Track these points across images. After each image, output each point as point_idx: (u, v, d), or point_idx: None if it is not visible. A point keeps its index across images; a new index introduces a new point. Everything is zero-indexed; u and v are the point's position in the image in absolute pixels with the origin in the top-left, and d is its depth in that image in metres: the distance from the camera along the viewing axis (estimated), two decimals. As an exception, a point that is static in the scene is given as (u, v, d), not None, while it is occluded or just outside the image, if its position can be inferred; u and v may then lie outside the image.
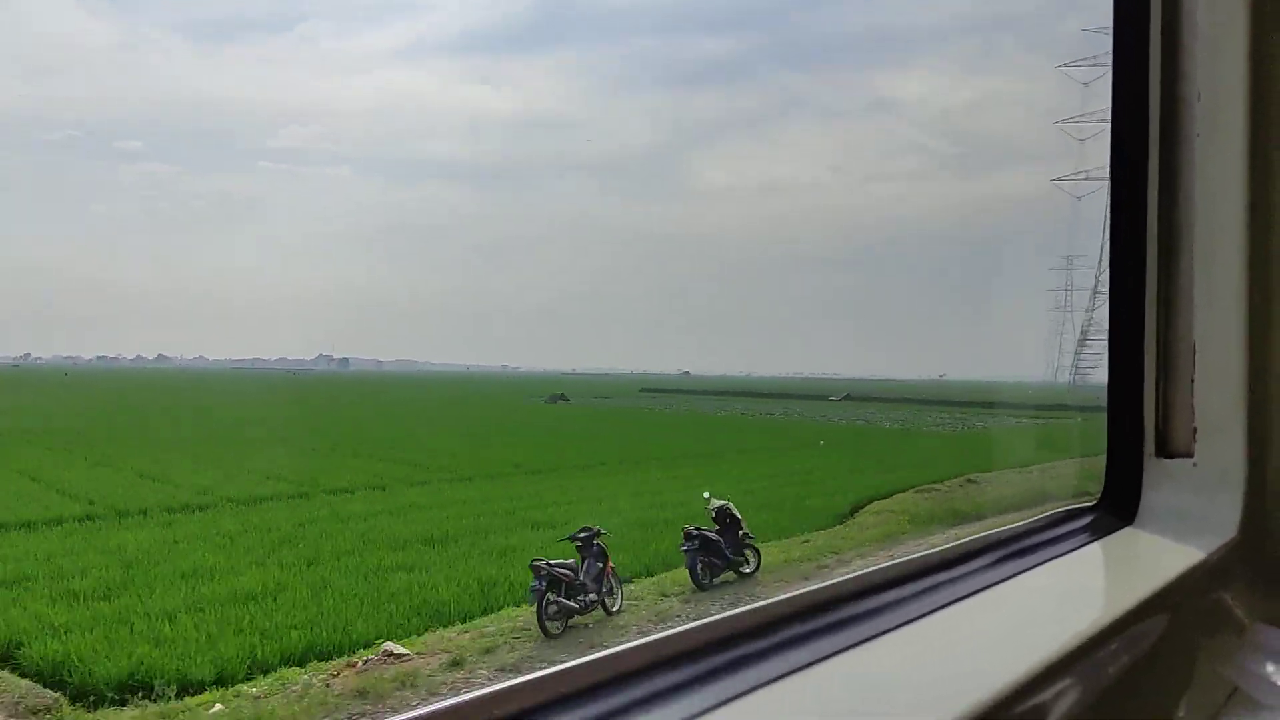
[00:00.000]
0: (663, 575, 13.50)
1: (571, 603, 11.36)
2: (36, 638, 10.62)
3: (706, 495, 14.90)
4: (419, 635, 11.11)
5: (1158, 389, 2.09)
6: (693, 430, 46.23)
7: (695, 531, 13.38)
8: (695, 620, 1.23)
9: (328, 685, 9.56)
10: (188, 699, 9.42)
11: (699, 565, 13.06)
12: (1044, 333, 76.94)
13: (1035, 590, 1.71)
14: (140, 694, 9.53)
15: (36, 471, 23.69)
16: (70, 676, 9.77)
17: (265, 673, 10.01)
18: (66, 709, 9.22)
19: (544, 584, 11.11)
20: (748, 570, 13.84)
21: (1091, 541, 2.03)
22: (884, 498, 23.82)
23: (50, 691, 9.62)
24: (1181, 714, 1.71)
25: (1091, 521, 2.15)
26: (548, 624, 11.13)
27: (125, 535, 16.19)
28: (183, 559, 14.48)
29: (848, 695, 1.16)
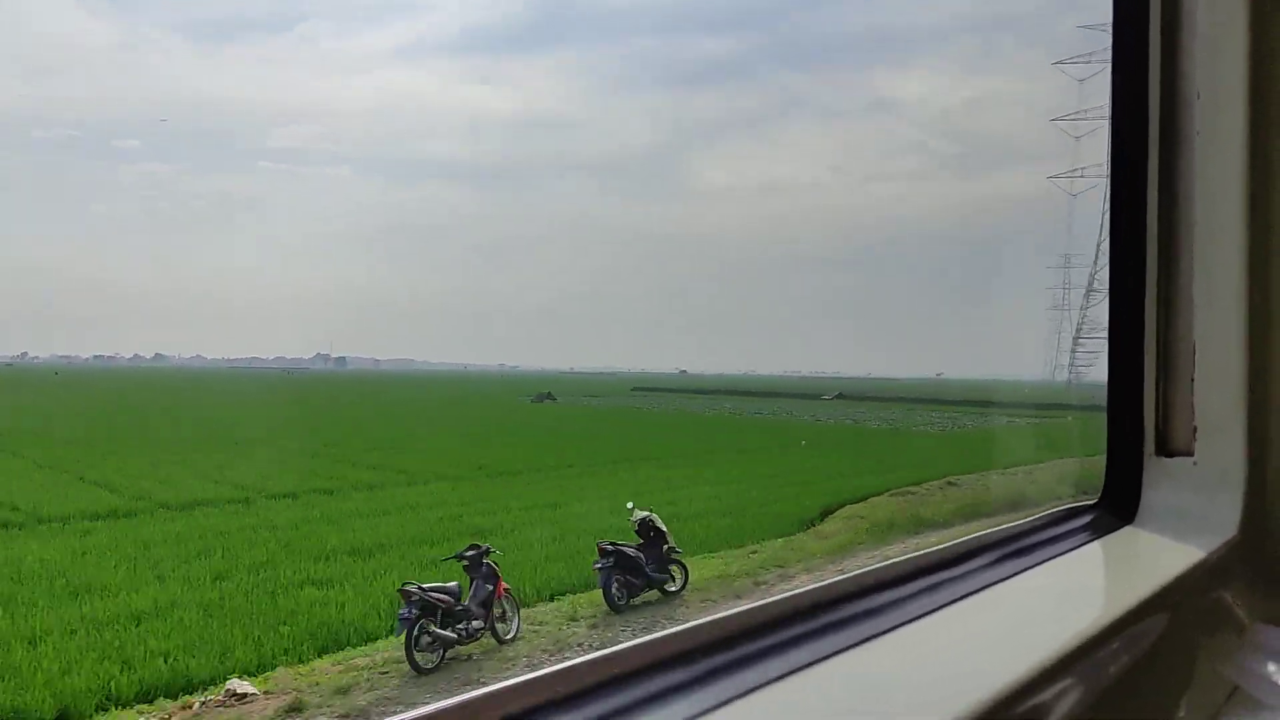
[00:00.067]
0: (590, 594, 12.38)
1: (448, 632, 10.11)
2: None
3: (630, 505, 13.81)
4: (303, 663, 10.07)
5: (1158, 388, 2.09)
6: (674, 430, 45.18)
7: (610, 547, 12.23)
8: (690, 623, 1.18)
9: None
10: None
11: (614, 585, 11.91)
12: (1042, 331, 75.94)
13: (1035, 590, 1.72)
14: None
15: (-30, 475, 22.68)
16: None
17: (104, 710, 8.97)
18: None
19: (415, 611, 9.87)
20: (673, 588, 12.69)
21: (1091, 541, 2.03)
22: (858, 501, 22.82)
23: None
24: (1182, 714, 1.71)
25: (1091, 521, 2.13)
26: (419, 657, 9.88)
27: (32, 545, 15.17)
28: (82, 573, 13.46)
29: (848, 695, 1.16)
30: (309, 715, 8.51)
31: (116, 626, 10.92)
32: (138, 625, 11.01)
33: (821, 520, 20.21)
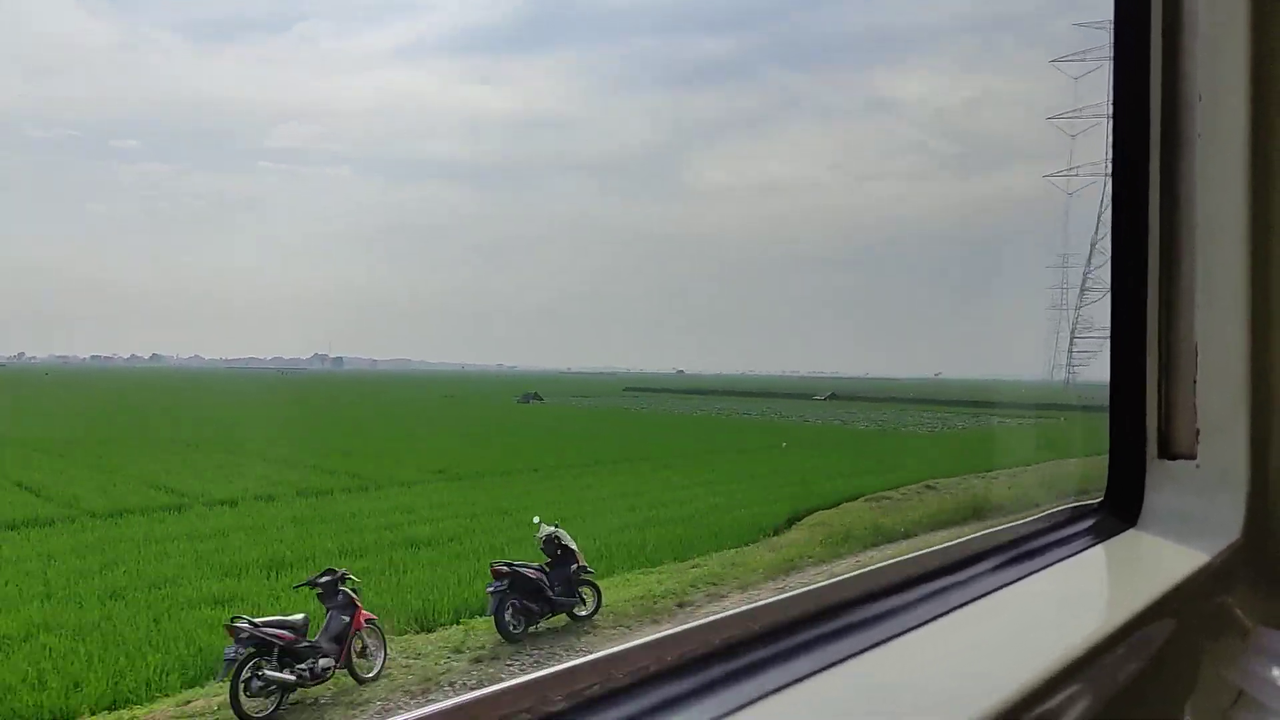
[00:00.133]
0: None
1: (286, 674, 8.83)
2: None
3: (536, 520, 12.66)
4: (152, 700, 8.99)
5: (1160, 390, 2.10)
6: (656, 431, 44.10)
7: (506, 568, 11.02)
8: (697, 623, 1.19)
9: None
10: None
11: (508, 611, 10.65)
12: (1041, 331, 74.92)
13: (1041, 594, 1.71)
14: None
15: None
16: None
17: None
18: None
19: (244, 650, 8.63)
20: (583, 612, 11.51)
21: (1095, 544, 2.02)
22: (829, 507, 21.75)
23: None
24: (1187, 719, 1.69)
25: (1095, 524, 2.13)
26: (247, 704, 8.66)
27: (-76, 559, 14.11)
28: (-35, 589, 12.41)
29: (856, 702, 1.15)
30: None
31: (-31, 654, 9.87)
32: (-4, 652, 9.97)
33: (788, 528, 19.12)
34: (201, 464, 26.67)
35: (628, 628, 10.67)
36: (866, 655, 1.22)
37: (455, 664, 9.54)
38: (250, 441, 33.56)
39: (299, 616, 9.24)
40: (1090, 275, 71.10)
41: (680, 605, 11.38)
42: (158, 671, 9.53)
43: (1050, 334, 73.26)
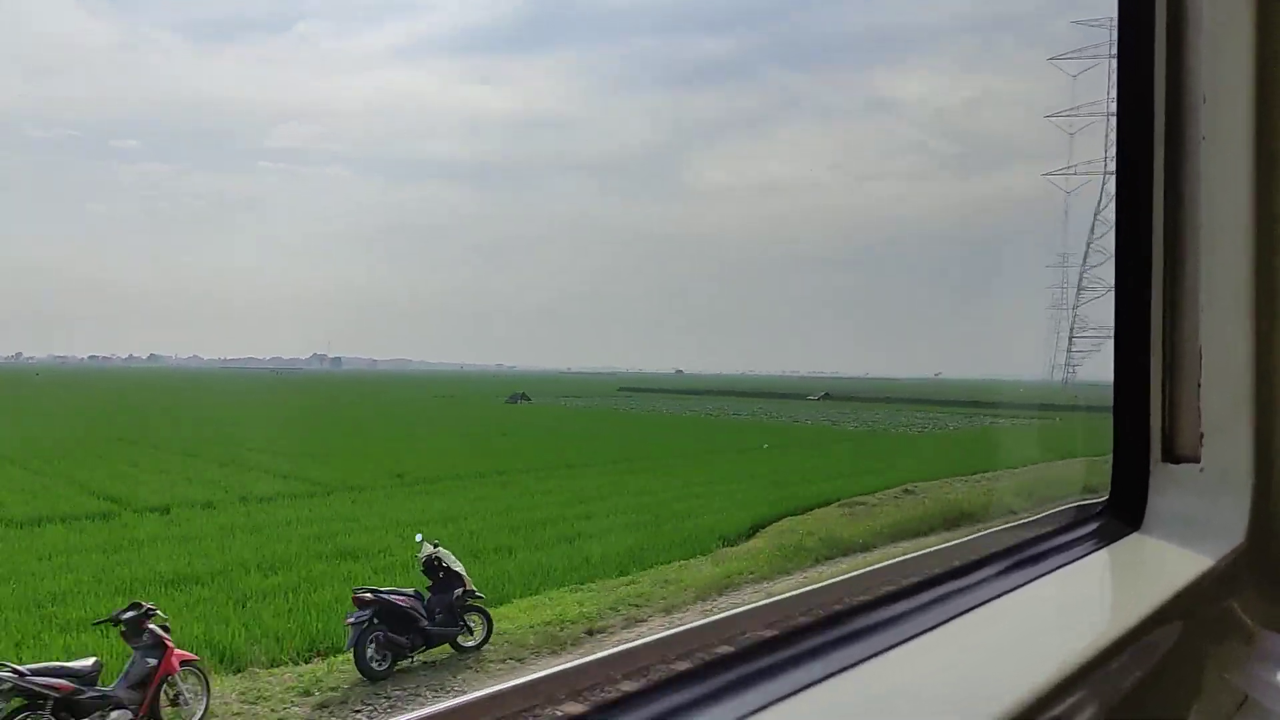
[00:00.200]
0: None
1: None
2: None
3: (419, 539, 11.47)
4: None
5: (1163, 393, 2.08)
6: (639, 433, 43.01)
7: (370, 595, 9.74)
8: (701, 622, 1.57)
9: None
10: None
11: (370, 646, 9.35)
12: (1040, 331, 74.00)
13: (1046, 599, 1.71)
14: None
15: None
16: None
17: None
18: None
19: (3, 706, 7.32)
20: (470, 643, 10.21)
21: (1099, 548, 2.02)
22: (801, 513, 20.65)
23: None
24: None
25: (1098, 527, 2.13)
26: None
27: None
28: None
29: (863, 710, 1.15)
30: None
31: None
32: None
33: (750, 536, 18.04)
34: (153, 467, 25.66)
35: (520, 660, 9.49)
36: (872, 661, 1.22)
37: (294, 712, 8.33)
38: (213, 443, 32.57)
39: (87, 662, 7.93)
40: (1087, 274, 70.23)
41: (590, 632, 10.23)
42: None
43: (1049, 333, 72.40)
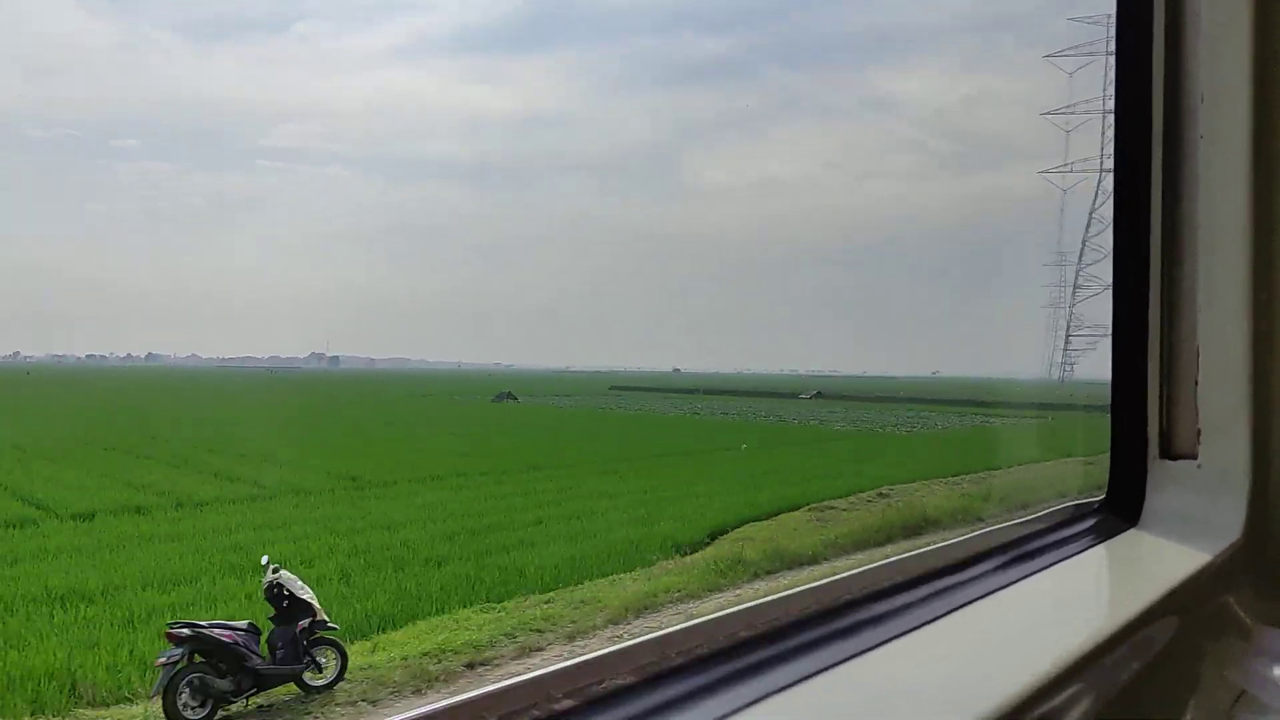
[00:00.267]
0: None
1: None
2: None
3: (264, 561, 10.28)
4: None
5: (1161, 390, 2.10)
6: (620, 432, 41.94)
7: (188, 631, 8.51)
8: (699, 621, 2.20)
9: None
10: None
11: (185, 691, 8.17)
12: (1038, 329, 73.11)
13: (1043, 594, 1.71)
14: None
15: None
16: None
17: None
18: None
19: None
20: (320, 682, 9.01)
21: (1097, 544, 2.03)
22: (765, 518, 19.66)
23: None
24: (1189, 719, 1.69)
25: (1096, 523, 2.14)
26: None
27: None
28: None
29: (859, 702, 1.15)
30: None
31: None
32: None
33: (708, 544, 16.99)
34: (99, 469, 24.61)
35: (373, 702, 8.40)
36: (868, 655, 1.22)
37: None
38: (172, 444, 31.53)
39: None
40: (1083, 272, 69.25)
41: (471, 665, 9.12)
42: None
43: (1046, 332, 71.44)
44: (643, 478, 25.51)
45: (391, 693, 8.57)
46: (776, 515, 20.02)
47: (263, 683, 8.65)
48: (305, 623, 9.03)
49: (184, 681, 8.17)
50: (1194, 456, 2.00)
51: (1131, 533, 2.08)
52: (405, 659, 9.23)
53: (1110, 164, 2.18)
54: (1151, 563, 2.00)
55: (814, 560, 13.71)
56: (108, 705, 8.55)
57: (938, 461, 29.28)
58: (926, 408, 64.32)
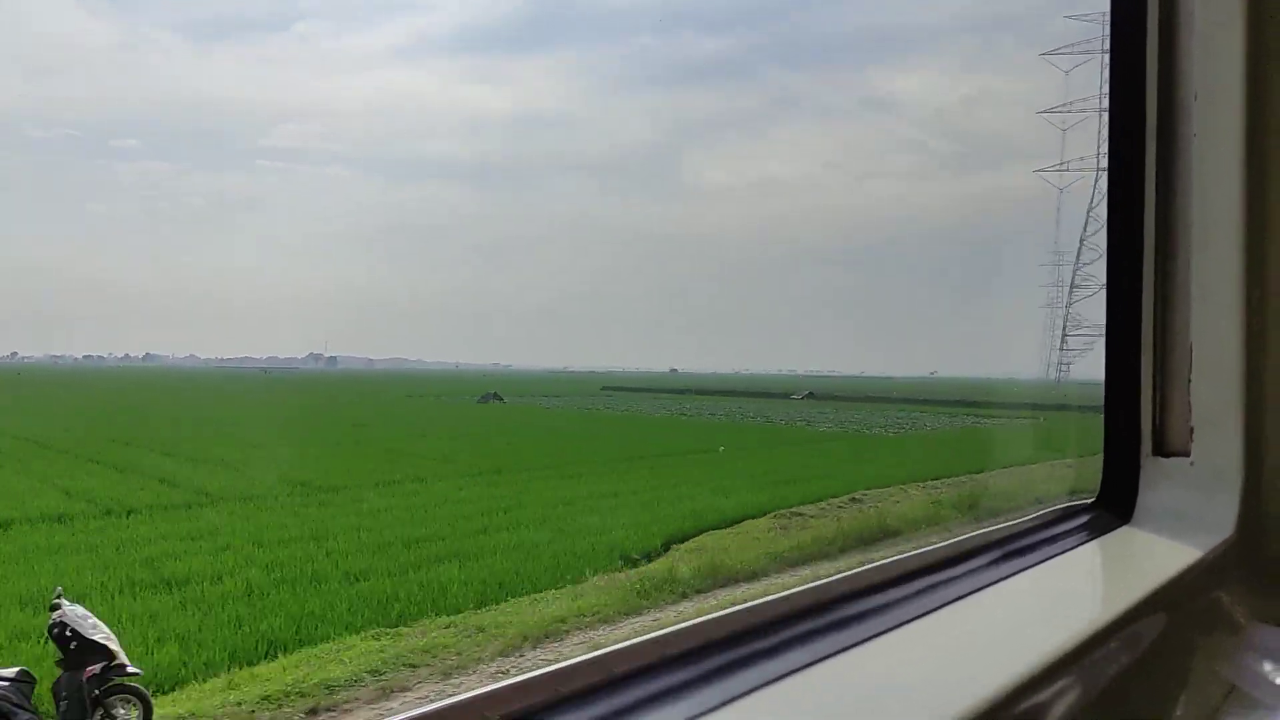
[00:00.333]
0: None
1: None
2: None
3: (57, 593, 8.89)
4: None
5: (1154, 387, 2.09)
6: (600, 433, 40.93)
7: None
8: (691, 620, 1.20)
9: None
10: None
11: None
12: (1037, 329, 72.18)
13: (1034, 589, 1.71)
14: None
15: None
16: None
17: None
18: None
19: None
20: None
21: (1089, 540, 2.03)
22: (727, 525, 18.64)
23: None
24: (1179, 713, 1.71)
25: (1089, 520, 2.14)
26: None
27: None
28: None
29: (847, 696, 1.16)
30: None
31: None
32: None
33: (661, 554, 15.97)
34: (38, 474, 23.58)
35: None
36: (856, 650, 1.22)
37: None
38: (129, 447, 30.53)
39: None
40: (1080, 272, 68.28)
41: (314, 711, 7.96)
42: None
43: (1044, 332, 70.53)
44: (609, 482, 24.48)
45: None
46: (740, 522, 19.01)
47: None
48: (96, 668, 7.78)
49: None
50: (1187, 453, 2.01)
51: (1124, 529, 2.07)
52: (241, 703, 8.15)
53: (1106, 162, 2.18)
54: (1143, 559, 1.99)
55: (753, 576, 12.67)
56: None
57: (919, 464, 28.24)
58: (918, 408, 63.29)
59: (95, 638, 7.93)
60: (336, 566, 13.99)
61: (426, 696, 8.04)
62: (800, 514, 19.67)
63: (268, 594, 12.53)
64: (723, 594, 11.53)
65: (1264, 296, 1.91)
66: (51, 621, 8.18)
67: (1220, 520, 1.92)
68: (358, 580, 13.33)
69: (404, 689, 8.54)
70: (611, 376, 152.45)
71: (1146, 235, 2.05)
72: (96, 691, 7.71)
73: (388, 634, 10.28)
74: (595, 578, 12.48)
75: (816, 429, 45.07)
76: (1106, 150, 2.16)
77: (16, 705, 7.29)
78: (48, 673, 8.20)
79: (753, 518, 19.39)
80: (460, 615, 11.04)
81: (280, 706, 8.16)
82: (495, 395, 66.27)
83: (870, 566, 1.49)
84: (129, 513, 18.59)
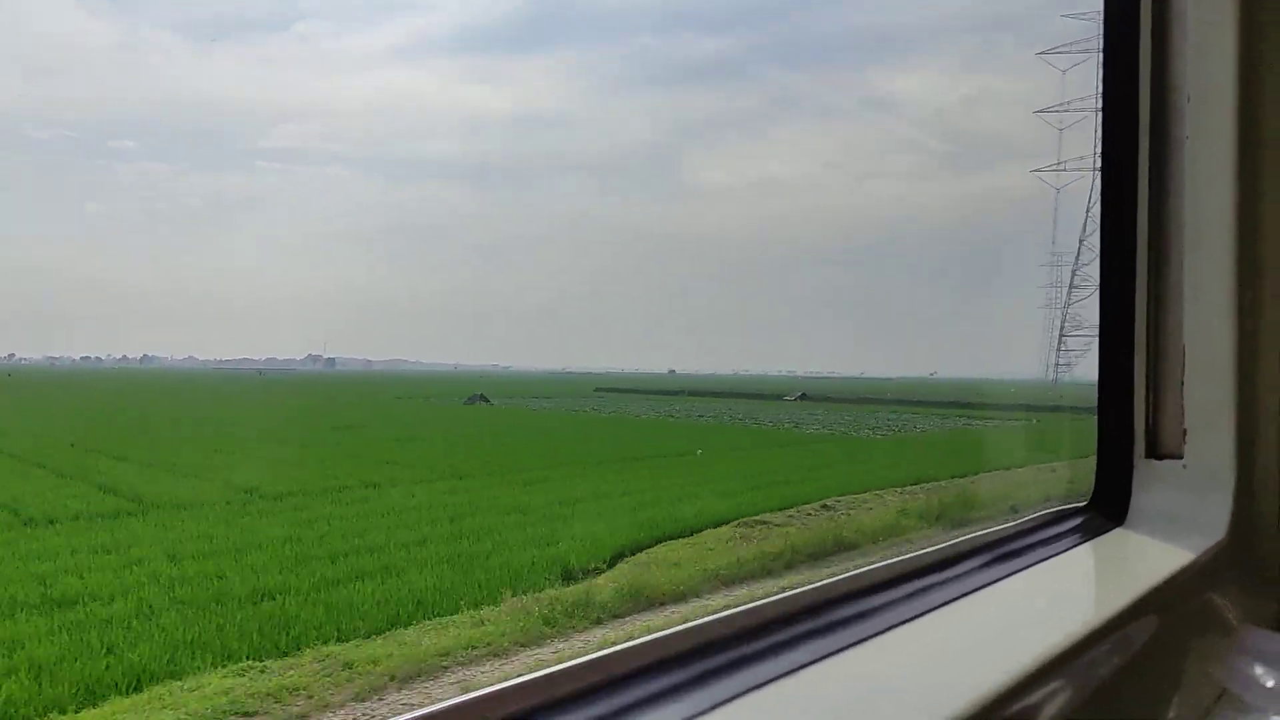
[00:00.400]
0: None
1: None
2: None
3: None
4: None
5: (1147, 389, 2.09)
6: (581, 435, 39.88)
7: None
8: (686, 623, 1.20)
9: None
10: None
11: None
12: (1036, 330, 71.15)
13: (1026, 592, 1.71)
14: None
15: None
16: None
17: None
18: None
19: None
20: None
21: (1082, 543, 2.02)
22: (686, 535, 17.61)
23: None
24: (1171, 715, 1.71)
25: (1082, 523, 2.14)
26: None
27: None
28: None
29: (840, 699, 1.15)
30: None
31: None
32: None
33: (607, 568, 14.90)
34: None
35: None
36: (850, 652, 1.22)
37: None
38: (84, 452, 29.49)
39: None
40: (1079, 272, 67.23)
41: None
42: None
43: (1043, 333, 69.54)
44: (572, 488, 23.41)
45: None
46: (700, 531, 17.97)
47: None
48: None
49: None
50: (1180, 456, 2.01)
51: (1117, 532, 2.07)
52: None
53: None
54: (1136, 561, 1.98)
55: (680, 598, 11.55)
56: None
57: (900, 468, 27.14)
58: (910, 410, 62.19)
59: None
60: (246, 584, 12.91)
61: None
62: (765, 522, 18.59)
63: (158, 616, 11.45)
64: (640, 619, 10.45)
65: (1257, 299, 1.90)
66: None
67: (1213, 522, 1.92)
68: (263, 600, 12.24)
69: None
70: (609, 378, 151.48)
71: (1139, 237, 2.04)
72: None
73: (256, 668, 9.19)
74: (515, 598, 11.39)
75: (803, 431, 43.96)
76: (1100, 150, 2.14)
77: None
78: None
79: (715, 526, 18.34)
80: (346, 644, 9.94)
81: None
82: (482, 397, 65.23)
83: (866, 569, 1.46)
84: (51, 522, 17.54)
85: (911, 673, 1.23)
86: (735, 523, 18.54)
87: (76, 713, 8.63)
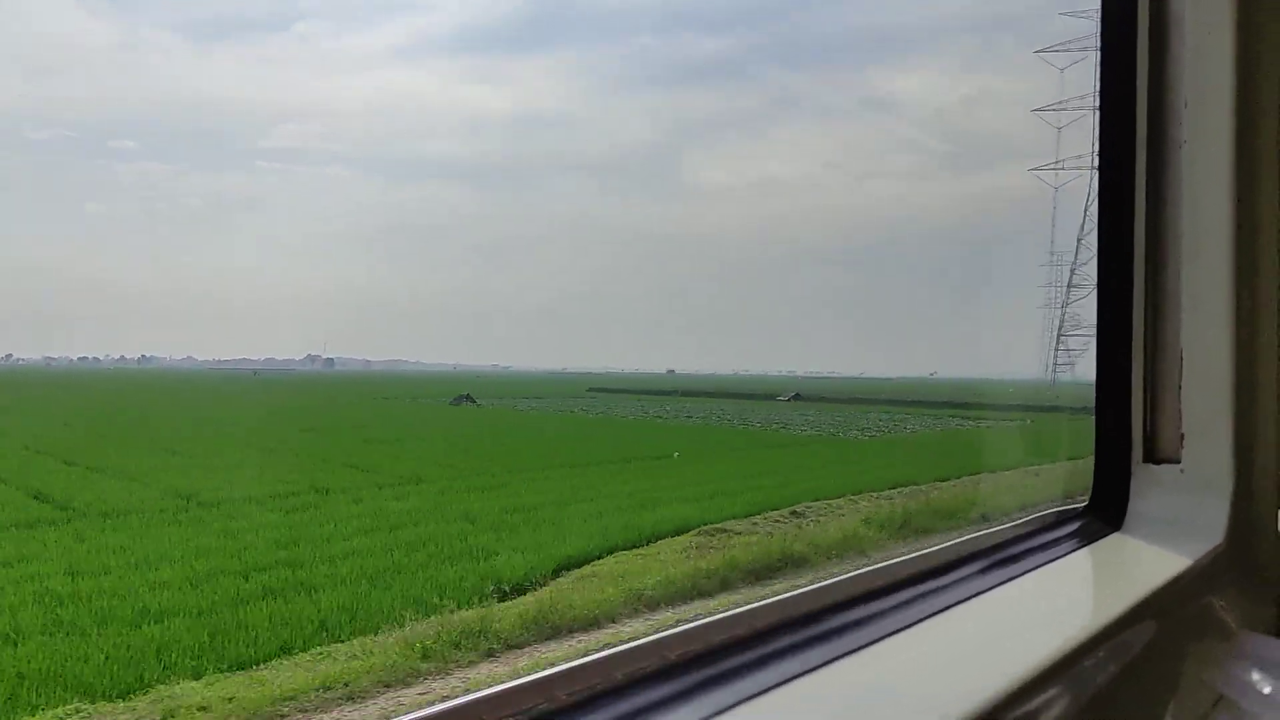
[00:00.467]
0: None
1: None
2: None
3: None
4: None
5: (1145, 394, 2.07)
6: (562, 437, 38.70)
7: None
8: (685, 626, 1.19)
9: None
10: None
11: None
12: (1036, 329, 70.07)
13: (1024, 597, 1.71)
14: None
15: None
16: None
17: None
18: None
19: None
20: None
21: (1080, 548, 2.02)
22: (641, 544, 16.47)
23: None
24: None
25: (1079, 527, 2.13)
26: None
27: None
28: None
29: (837, 706, 1.15)
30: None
31: None
32: None
33: (544, 583, 13.74)
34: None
35: None
36: (846, 660, 1.22)
37: None
38: (33, 454, 28.36)
39: None
40: (1077, 272, 66.03)
41: None
42: None
43: (1043, 332, 68.46)
44: (534, 493, 22.23)
45: None
46: (658, 540, 16.81)
47: None
48: None
49: None
50: (1177, 460, 1.99)
51: (1115, 536, 2.05)
52: None
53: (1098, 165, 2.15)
54: (1133, 566, 1.97)
55: (593, 624, 10.34)
56: None
57: (882, 471, 25.93)
58: (905, 410, 60.99)
59: None
60: (137, 604, 11.75)
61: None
62: (726, 530, 17.41)
63: (27, 640, 10.30)
64: (540, 651, 9.26)
65: (1254, 305, 1.89)
66: None
67: (1210, 527, 1.91)
68: (153, 622, 11.08)
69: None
70: (608, 378, 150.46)
71: (1137, 241, 2.03)
72: None
73: (104, 706, 8.05)
74: (415, 623, 10.21)
75: (792, 432, 42.75)
76: (1098, 154, 2.12)
77: None
78: None
79: (674, 534, 17.18)
80: (200, 681, 8.77)
81: None
82: (468, 397, 64.09)
83: (863, 572, 1.44)
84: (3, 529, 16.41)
85: (910, 680, 1.22)
86: (696, 531, 17.38)
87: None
